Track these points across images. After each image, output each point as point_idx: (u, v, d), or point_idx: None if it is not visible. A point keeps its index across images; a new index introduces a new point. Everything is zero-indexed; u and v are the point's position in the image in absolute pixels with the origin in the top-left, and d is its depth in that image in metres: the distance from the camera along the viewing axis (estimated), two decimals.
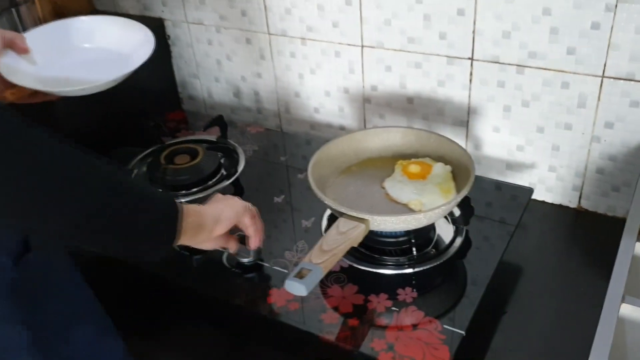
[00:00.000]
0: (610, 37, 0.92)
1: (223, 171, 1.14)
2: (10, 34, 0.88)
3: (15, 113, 0.54)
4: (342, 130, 1.27)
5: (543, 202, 1.11)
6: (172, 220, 0.67)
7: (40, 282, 0.74)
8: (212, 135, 1.22)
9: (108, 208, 0.59)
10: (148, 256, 0.68)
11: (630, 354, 0.74)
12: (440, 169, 0.94)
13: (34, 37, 0.93)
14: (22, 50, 0.88)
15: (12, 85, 0.84)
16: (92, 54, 0.96)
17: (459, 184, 0.92)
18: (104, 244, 0.62)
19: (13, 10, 1.13)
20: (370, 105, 1.20)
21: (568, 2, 0.92)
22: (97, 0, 1.46)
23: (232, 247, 0.84)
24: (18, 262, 0.70)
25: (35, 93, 0.86)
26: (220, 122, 1.22)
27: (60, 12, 1.38)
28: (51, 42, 0.94)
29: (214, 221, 0.76)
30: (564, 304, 0.91)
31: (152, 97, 1.38)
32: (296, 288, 0.71)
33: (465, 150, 0.94)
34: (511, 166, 1.11)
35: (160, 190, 0.74)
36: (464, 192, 0.85)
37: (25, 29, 1.17)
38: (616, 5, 0.89)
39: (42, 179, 0.53)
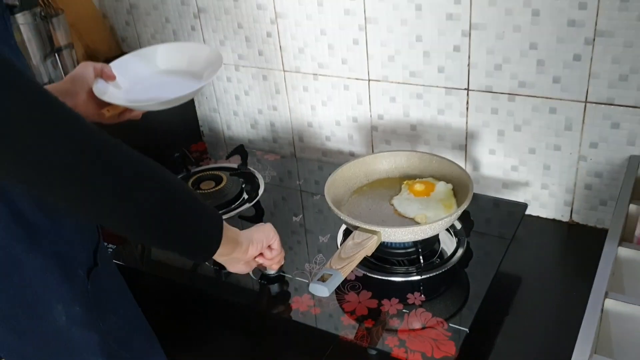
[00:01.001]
0: (590, 67, 1.04)
1: (245, 195, 1.25)
2: (98, 65, 0.99)
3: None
4: (352, 156, 1.38)
5: (538, 217, 1.22)
6: (218, 227, 0.74)
7: (105, 294, 0.82)
8: (234, 163, 1.34)
9: (168, 204, 0.65)
10: (192, 255, 0.75)
11: (615, 344, 0.83)
12: (442, 187, 1.05)
13: (117, 66, 1.04)
14: (110, 77, 0.99)
15: (105, 105, 0.95)
16: (168, 76, 1.06)
17: (459, 200, 1.03)
18: (156, 237, 0.68)
19: (56, 54, 1.26)
20: (377, 132, 1.32)
21: (552, 37, 1.04)
22: (124, 44, 1.60)
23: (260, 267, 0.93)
24: (89, 275, 0.79)
25: (123, 113, 0.97)
26: (241, 150, 1.34)
27: (91, 55, 1.51)
28: (132, 69, 1.06)
29: (248, 241, 0.84)
30: (559, 309, 1.00)
31: (176, 131, 1.50)
32: (319, 290, 0.82)
33: (464, 170, 1.05)
34: (507, 185, 1.22)
35: None
36: (464, 206, 0.95)
37: (65, 71, 1.31)
38: (594, 39, 1.01)
39: (115, 175, 0.59)
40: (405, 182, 1.09)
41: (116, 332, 0.82)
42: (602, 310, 0.81)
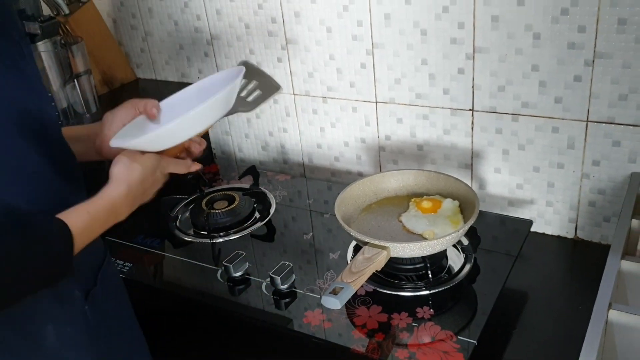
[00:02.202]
0: (590, 87, 1.07)
1: (257, 214, 1.28)
2: (142, 103, 0.89)
3: None
4: (360, 176, 1.42)
5: (543, 234, 1.24)
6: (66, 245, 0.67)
7: (104, 315, 0.82)
8: (246, 184, 1.38)
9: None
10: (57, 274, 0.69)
11: (620, 354, 0.85)
12: (449, 204, 1.08)
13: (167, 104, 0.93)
14: (152, 116, 0.88)
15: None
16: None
17: (466, 216, 1.06)
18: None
19: (74, 80, 1.31)
20: (385, 152, 1.36)
21: (553, 59, 1.08)
22: (139, 70, 1.66)
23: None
24: (87, 296, 0.79)
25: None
26: (253, 171, 1.38)
27: (108, 81, 1.57)
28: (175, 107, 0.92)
29: (121, 188, 0.76)
30: (566, 323, 1.02)
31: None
32: (331, 302, 0.85)
33: (469, 187, 1.08)
34: (512, 203, 1.25)
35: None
36: (471, 222, 0.98)
37: (84, 97, 1.36)
38: (593, 61, 1.05)
39: None
40: (413, 200, 1.12)
41: (115, 353, 0.82)
42: (606, 321, 0.83)
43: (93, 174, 0.85)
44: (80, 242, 0.68)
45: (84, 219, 0.69)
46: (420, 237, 1.04)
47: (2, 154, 0.67)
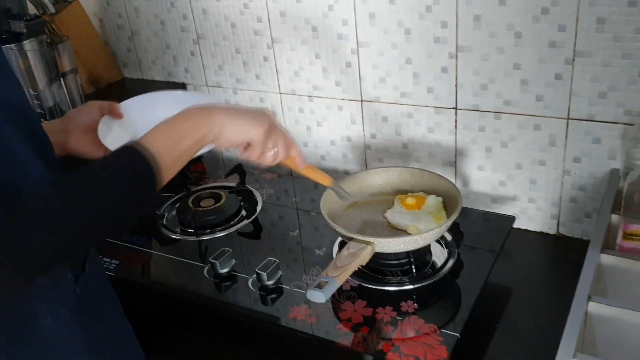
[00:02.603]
0: (571, 85, 1.09)
1: (244, 212, 1.29)
2: (106, 103, 0.98)
3: None
4: (347, 174, 1.43)
5: (526, 230, 1.26)
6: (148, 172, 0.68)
7: (94, 301, 0.83)
8: (232, 182, 1.38)
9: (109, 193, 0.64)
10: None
11: (600, 345, 0.87)
12: (432, 200, 1.10)
13: (135, 104, 1.03)
14: (117, 115, 0.97)
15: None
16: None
17: (449, 212, 1.08)
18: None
19: (61, 79, 1.32)
20: (371, 151, 1.37)
21: (534, 58, 1.10)
22: (126, 69, 1.66)
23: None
24: (77, 281, 0.80)
25: None
26: (239, 170, 1.39)
27: (95, 80, 1.57)
28: (141, 111, 1.02)
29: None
30: (548, 316, 1.03)
31: None
32: (316, 296, 0.86)
33: (452, 183, 1.10)
34: (496, 200, 1.26)
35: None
36: (454, 217, 1.00)
37: (70, 96, 1.36)
38: (573, 59, 1.07)
39: None
40: (397, 197, 1.13)
41: (106, 341, 0.82)
42: (586, 313, 0.85)
43: None
44: (166, 152, 0.68)
45: (152, 135, 0.70)
46: (405, 233, 1.05)
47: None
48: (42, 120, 1.31)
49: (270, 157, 0.82)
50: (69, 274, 0.79)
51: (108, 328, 0.86)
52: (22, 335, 0.73)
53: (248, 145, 0.79)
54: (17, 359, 0.73)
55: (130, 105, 1.03)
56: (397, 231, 1.07)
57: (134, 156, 0.67)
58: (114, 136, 0.94)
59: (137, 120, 1.01)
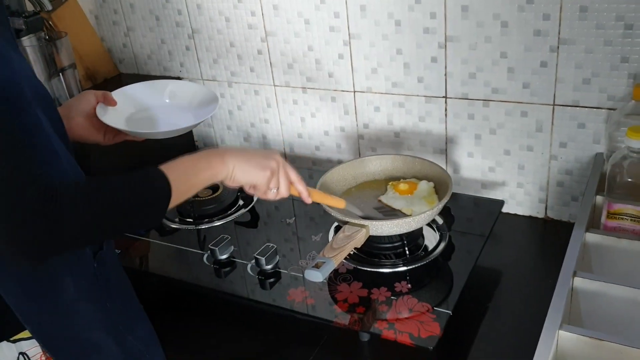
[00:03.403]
0: (556, 72, 1.13)
1: (241, 201, 1.32)
2: (100, 92, 1.07)
3: None
4: (340, 163, 1.46)
5: (515, 214, 1.30)
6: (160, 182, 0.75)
7: (108, 279, 0.87)
8: None
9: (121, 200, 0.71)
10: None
11: (585, 318, 0.91)
12: (424, 185, 1.13)
13: (125, 92, 1.12)
14: (111, 103, 1.06)
15: (104, 128, 1.03)
16: (170, 108, 1.14)
17: (440, 197, 1.11)
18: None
19: (60, 74, 1.34)
20: (364, 140, 1.40)
21: (520, 46, 1.14)
22: (121, 65, 1.68)
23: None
24: (95, 256, 0.84)
25: (120, 135, 1.04)
26: None
27: (91, 76, 1.60)
28: (140, 98, 1.13)
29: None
30: (537, 296, 1.07)
31: (172, 146, 1.56)
32: (314, 275, 0.89)
33: (443, 169, 1.13)
34: (485, 185, 1.30)
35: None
36: (445, 200, 1.04)
37: (69, 89, 1.39)
38: (558, 47, 1.11)
39: None
40: (390, 183, 1.17)
41: (119, 316, 0.87)
42: (571, 288, 0.89)
43: None
44: (172, 176, 0.75)
45: (170, 163, 0.78)
46: (400, 212, 1.09)
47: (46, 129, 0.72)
48: None
49: (272, 195, 0.90)
50: (87, 249, 0.84)
51: (120, 304, 0.90)
52: (51, 303, 0.80)
53: (253, 185, 0.89)
54: (45, 325, 0.82)
55: (120, 93, 1.11)
56: (393, 210, 1.10)
57: (155, 176, 0.75)
58: (110, 117, 1.03)
59: (127, 104, 1.11)
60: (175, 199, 0.77)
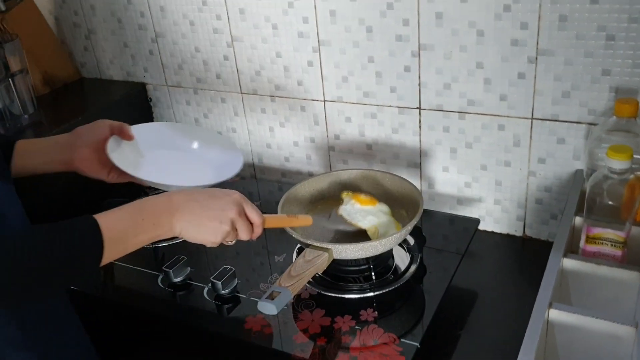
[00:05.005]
0: (534, 84, 1.07)
1: None
2: (117, 123, 1.00)
3: None
4: (311, 176, 1.39)
5: (492, 232, 1.24)
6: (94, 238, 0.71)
7: (44, 315, 0.81)
8: None
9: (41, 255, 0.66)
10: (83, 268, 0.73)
11: (561, 353, 0.85)
12: (382, 206, 1.06)
13: (143, 130, 1.04)
14: (127, 137, 1.00)
15: (111, 166, 0.96)
16: (189, 157, 1.08)
17: (410, 216, 1.04)
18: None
19: (9, 80, 1.26)
20: (335, 152, 1.33)
21: (497, 56, 1.08)
22: (83, 69, 1.60)
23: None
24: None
25: (125, 175, 0.97)
26: None
27: (50, 81, 1.51)
28: (156, 138, 1.06)
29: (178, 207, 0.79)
30: (514, 322, 1.00)
31: None
32: (267, 308, 0.82)
33: (415, 186, 1.06)
34: (461, 201, 1.24)
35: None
36: (414, 221, 0.97)
37: (20, 97, 1.30)
38: (536, 58, 1.05)
39: None
40: (346, 193, 1.08)
41: (58, 354, 0.81)
42: (547, 320, 0.83)
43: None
44: (109, 234, 0.71)
45: (110, 213, 0.73)
46: (363, 236, 1.02)
47: None
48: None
49: (230, 243, 0.86)
50: None
51: (63, 344, 0.85)
52: None
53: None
54: None
55: (141, 129, 1.04)
56: (357, 229, 1.03)
57: (90, 233, 0.70)
58: (121, 154, 0.96)
59: (145, 143, 1.04)
60: (107, 260, 0.71)
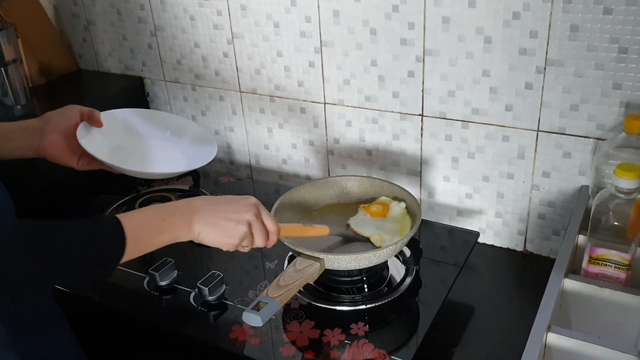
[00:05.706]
0: (542, 95, 1.03)
1: None
2: (86, 109, 0.97)
3: None
4: (308, 180, 1.36)
5: (492, 246, 1.20)
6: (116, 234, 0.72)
7: (30, 315, 0.79)
8: (185, 185, 1.30)
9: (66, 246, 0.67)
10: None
11: None
12: (396, 206, 1.03)
13: (114, 116, 1.02)
14: (96, 124, 0.97)
15: (81, 152, 0.93)
16: (161, 144, 1.06)
17: (413, 222, 1.00)
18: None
19: (2, 69, 1.22)
20: (334, 156, 1.30)
21: (504, 65, 1.04)
22: (81, 60, 1.57)
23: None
24: (14, 296, 0.75)
25: (96, 162, 0.94)
26: (193, 172, 1.31)
27: (46, 71, 1.48)
28: (128, 124, 1.03)
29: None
30: (511, 340, 0.96)
31: None
32: (252, 319, 0.78)
33: (414, 197, 1.02)
34: (461, 212, 1.20)
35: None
36: (411, 233, 0.93)
37: (12, 87, 1.27)
38: (545, 68, 1.01)
39: None
40: (361, 206, 1.06)
41: (44, 353, 0.78)
42: (545, 344, 0.79)
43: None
44: (131, 233, 0.72)
45: (132, 214, 0.75)
46: (369, 242, 0.98)
47: None
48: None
49: (245, 250, 0.85)
50: None
51: (47, 345, 0.82)
52: None
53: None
54: None
55: (113, 115, 1.01)
56: (361, 241, 0.99)
57: (111, 230, 0.71)
58: (91, 140, 0.93)
59: (115, 130, 1.01)
60: (127, 258, 0.72)
